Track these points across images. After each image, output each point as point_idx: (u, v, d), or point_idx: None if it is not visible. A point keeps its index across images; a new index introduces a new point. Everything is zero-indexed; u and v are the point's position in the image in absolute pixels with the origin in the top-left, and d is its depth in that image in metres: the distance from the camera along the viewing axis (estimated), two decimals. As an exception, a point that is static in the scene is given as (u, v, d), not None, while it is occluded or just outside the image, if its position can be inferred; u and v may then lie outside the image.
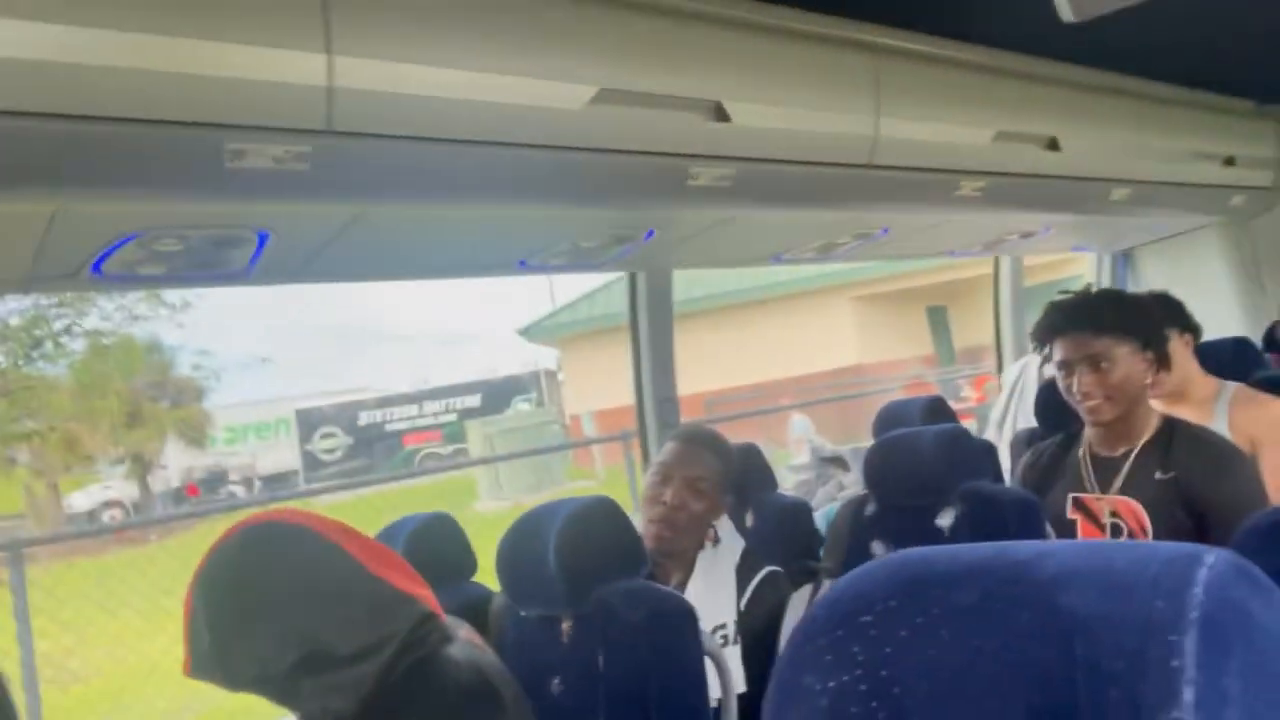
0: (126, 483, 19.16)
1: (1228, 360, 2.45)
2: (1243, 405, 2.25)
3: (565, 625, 1.27)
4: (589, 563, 1.25)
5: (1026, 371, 3.09)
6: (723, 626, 1.71)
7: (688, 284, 15.59)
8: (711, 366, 13.89)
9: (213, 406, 20.53)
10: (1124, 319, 1.81)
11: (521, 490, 12.52)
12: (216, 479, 19.81)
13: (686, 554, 1.79)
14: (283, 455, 19.93)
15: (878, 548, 1.87)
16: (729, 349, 14.41)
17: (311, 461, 19.15)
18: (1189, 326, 2.39)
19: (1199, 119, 2.76)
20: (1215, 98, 2.84)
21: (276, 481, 18.82)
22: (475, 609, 1.49)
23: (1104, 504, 1.85)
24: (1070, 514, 1.90)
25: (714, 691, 1.37)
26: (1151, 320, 1.89)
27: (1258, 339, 2.96)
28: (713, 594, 1.74)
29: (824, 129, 1.66)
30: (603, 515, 1.30)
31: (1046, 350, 1.89)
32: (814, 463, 2.70)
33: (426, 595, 1.15)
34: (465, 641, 1.16)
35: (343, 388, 21.63)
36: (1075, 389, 1.82)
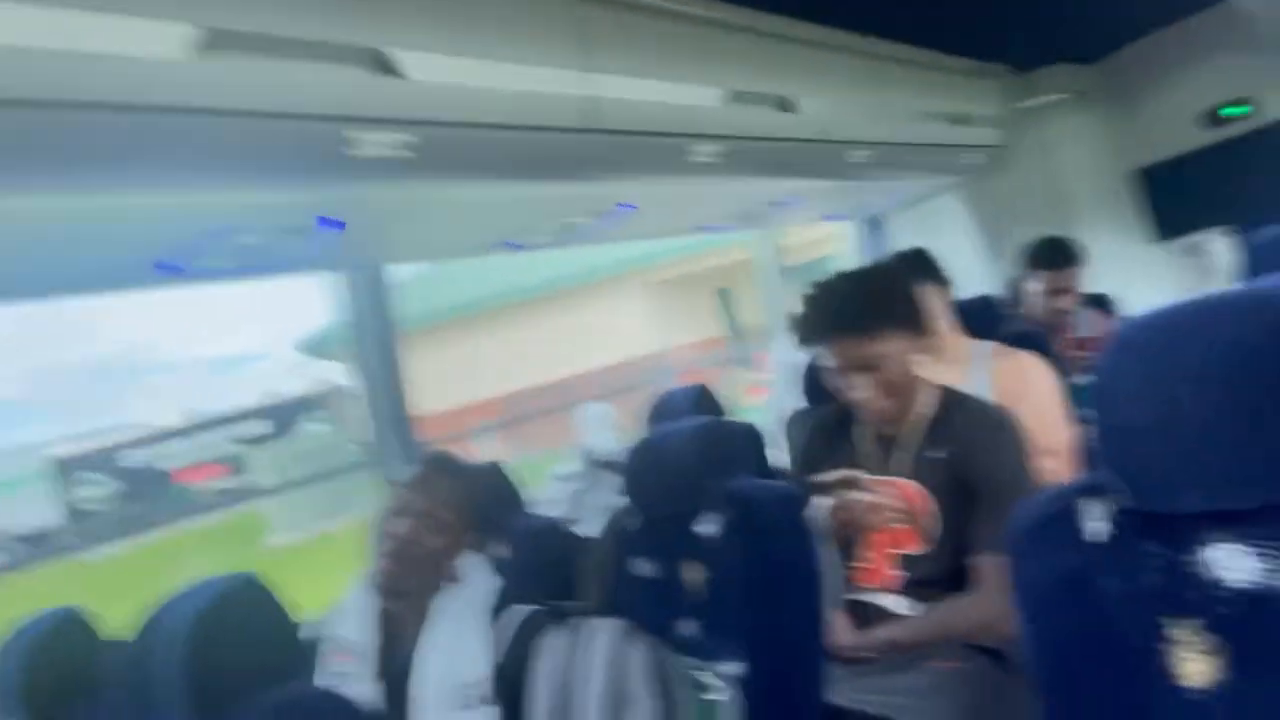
0: None
1: (976, 318, 2.44)
2: (1001, 362, 2.23)
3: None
4: (226, 681, 0.93)
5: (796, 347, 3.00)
6: (472, 685, 1.41)
7: (469, 283, 15.18)
8: (507, 368, 13.56)
9: (-55, 465, 17.92)
10: (892, 314, 1.69)
11: (320, 518, 11.62)
12: (-44, 546, 17.26)
13: (424, 597, 1.49)
14: (42, 510, 17.65)
15: (643, 566, 1.65)
16: (525, 348, 14.11)
17: (77, 514, 17.05)
18: (942, 280, 2.34)
19: (928, 78, 2.75)
20: (942, 57, 2.85)
21: (35, 541, 16.63)
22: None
23: (890, 484, 1.73)
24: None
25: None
26: (907, 299, 1.76)
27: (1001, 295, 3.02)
28: (458, 646, 1.45)
29: (522, 87, 1.40)
30: (245, 609, 0.97)
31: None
32: (586, 469, 2.46)
33: None
34: None
35: (103, 428, 19.43)
36: (852, 395, 1.70)
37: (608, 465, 2.48)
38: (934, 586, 1.68)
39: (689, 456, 1.57)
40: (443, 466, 1.60)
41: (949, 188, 3.43)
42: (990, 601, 1.58)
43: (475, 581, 1.54)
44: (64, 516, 16.59)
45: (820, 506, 1.70)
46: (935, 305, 2.24)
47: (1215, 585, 0.70)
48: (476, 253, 2.30)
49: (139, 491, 17.29)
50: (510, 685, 1.42)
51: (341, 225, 1.57)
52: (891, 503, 1.70)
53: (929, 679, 1.59)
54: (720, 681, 1.39)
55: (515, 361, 13.78)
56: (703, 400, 2.33)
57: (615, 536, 1.71)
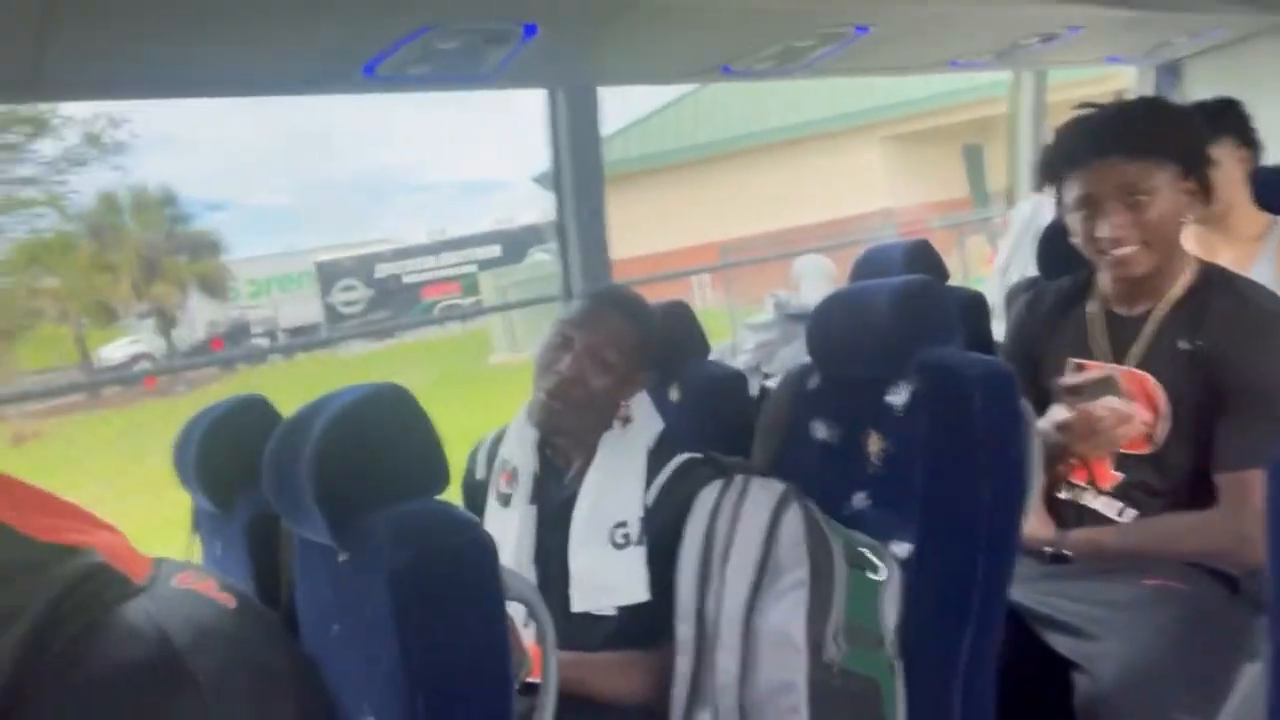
0: (154, 337, 19.47)
1: (1269, 192, 2.00)
2: None
3: (341, 558, 0.95)
4: (353, 481, 0.91)
5: (1040, 210, 2.63)
6: (623, 525, 1.40)
7: (703, 126, 14.86)
8: (730, 212, 13.35)
9: (231, 260, 20.56)
10: (1166, 136, 1.41)
11: (536, 343, 12.30)
12: (240, 332, 19.99)
13: (587, 435, 1.47)
14: (305, 308, 19.94)
15: (820, 429, 1.52)
16: (750, 194, 13.79)
17: (333, 314, 19.11)
18: (1248, 140, 1.94)
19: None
20: None
21: (300, 334, 18.90)
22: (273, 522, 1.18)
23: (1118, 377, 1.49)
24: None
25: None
26: (1197, 136, 1.47)
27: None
28: (615, 485, 1.43)
29: None
30: (382, 415, 0.94)
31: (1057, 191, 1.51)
32: (778, 320, 2.32)
33: (103, 542, 0.82)
34: (172, 594, 0.84)
35: (362, 239, 21.37)
36: (1104, 232, 1.43)
37: (801, 318, 2.32)
38: (1154, 496, 1.45)
39: (882, 318, 1.39)
40: (613, 304, 1.51)
41: (1270, 28, 2.79)
42: (1230, 524, 1.34)
43: (641, 422, 1.50)
44: (323, 316, 18.70)
45: (1057, 411, 1.50)
46: (1230, 169, 1.87)
47: None
48: (691, 76, 2.12)
49: (386, 300, 19.09)
50: (660, 532, 1.39)
51: (532, 31, 1.46)
52: (1145, 414, 1.45)
53: (1137, 594, 1.39)
54: (885, 562, 1.27)
55: (741, 207, 13.53)
56: (918, 258, 2.08)
57: (793, 394, 1.58)
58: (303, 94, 1.60)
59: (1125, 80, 3.31)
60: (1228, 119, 1.92)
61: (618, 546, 1.40)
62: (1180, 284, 1.47)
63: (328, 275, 19.50)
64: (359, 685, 0.92)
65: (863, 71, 2.38)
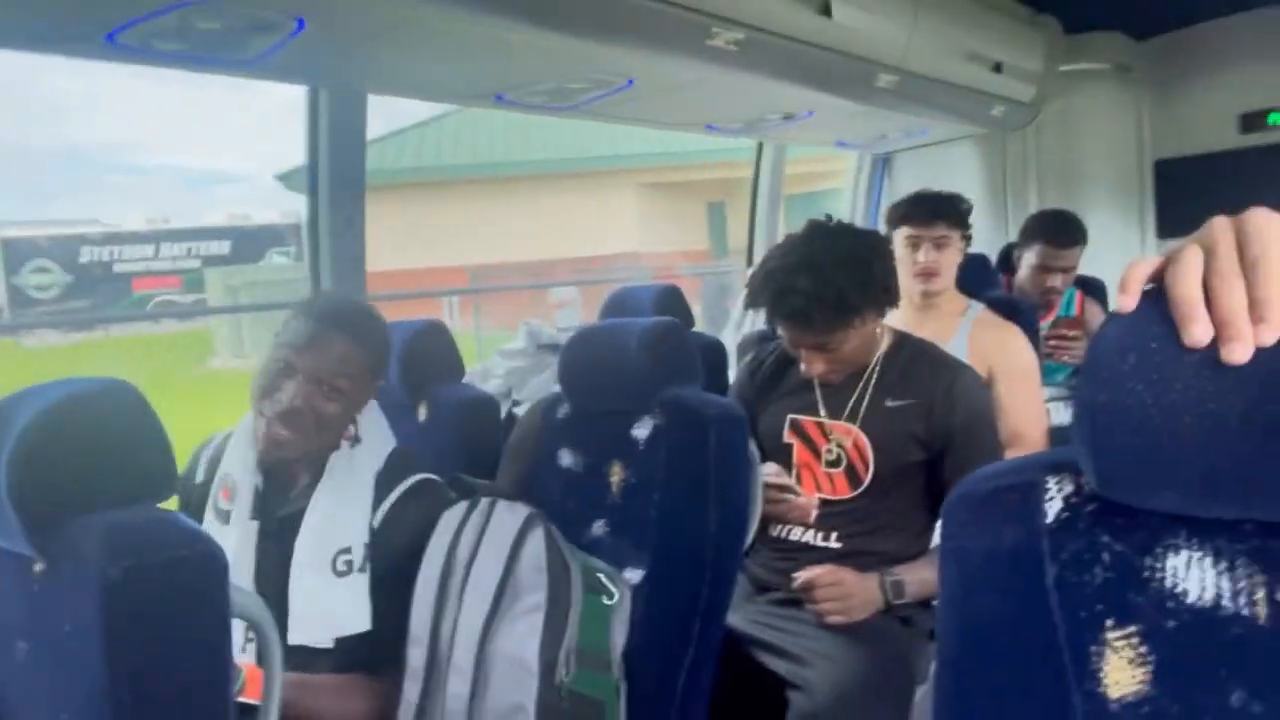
0: None
1: (963, 276, 2.35)
2: (986, 329, 2.16)
3: (38, 567, 0.85)
4: (61, 481, 0.82)
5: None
6: (346, 551, 1.31)
7: (461, 148, 14.76)
8: (483, 237, 13.31)
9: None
10: (860, 301, 1.57)
11: (265, 348, 11.44)
12: (-107, 309, 16.89)
13: (317, 455, 1.37)
14: (-17, 288, 17.25)
15: (566, 457, 1.57)
16: (504, 221, 13.84)
17: (20, 298, 16.67)
18: (967, 234, 2.26)
19: (975, 16, 2.58)
20: (994, -4, 2.68)
21: (-28, 315, 16.29)
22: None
23: (830, 430, 1.67)
24: (787, 437, 1.70)
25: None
26: (878, 269, 1.62)
27: (994, 258, 2.93)
28: (340, 510, 1.33)
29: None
30: (105, 411, 0.86)
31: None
32: (530, 349, 2.36)
33: None
34: None
35: (62, 219, 18.93)
36: (810, 372, 1.65)
37: (552, 349, 2.38)
38: (856, 526, 1.65)
39: (629, 355, 1.47)
40: (338, 325, 1.36)
41: (966, 136, 3.29)
42: None
43: (369, 443, 1.41)
44: (5, 298, 16.27)
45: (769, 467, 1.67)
46: (954, 255, 2.19)
47: (1167, 594, 0.62)
48: (464, 98, 2.13)
49: (90, 288, 16.98)
50: (388, 555, 1.33)
51: (303, 24, 1.41)
52: (858, 462, 1.65)
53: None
54: (619, 587, 1.33)
55: (495, 233, 13.54)
56: (667, 302, 2.21)
57: (542, 422, 1.63)
58: (34, 51, 1.42)
59: (847, 162, 3.74)
60: (959, 212, 2.21)
61: (339, 574, 1.31)
62: (880, 350, 1.69)
63: (17, 254, 17.04)
64: (49, 710, 0.82)
65: (629, 120, 2.51)
